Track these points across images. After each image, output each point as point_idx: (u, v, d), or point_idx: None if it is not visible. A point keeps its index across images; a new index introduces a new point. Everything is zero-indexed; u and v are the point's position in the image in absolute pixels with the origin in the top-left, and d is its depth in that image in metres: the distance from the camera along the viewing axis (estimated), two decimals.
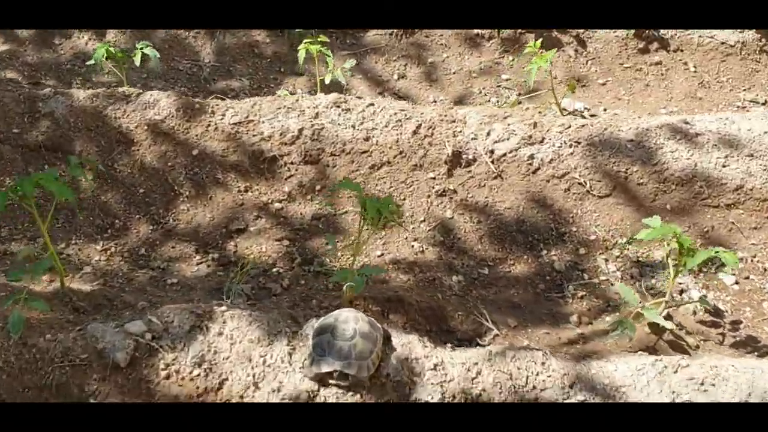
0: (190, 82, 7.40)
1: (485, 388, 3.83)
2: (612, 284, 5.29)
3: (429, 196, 5.80)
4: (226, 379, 3.88)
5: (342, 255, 5.36)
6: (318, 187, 5.83)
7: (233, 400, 3.84)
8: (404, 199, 5.77)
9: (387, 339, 3.93)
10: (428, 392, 3.77)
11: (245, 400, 3.83)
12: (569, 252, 5.53)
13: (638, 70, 7.42)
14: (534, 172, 5.74)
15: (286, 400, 3.76)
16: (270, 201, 5.78)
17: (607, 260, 5.46)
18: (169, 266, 5.36)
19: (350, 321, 3.81)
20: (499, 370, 3.85)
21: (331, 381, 3.75)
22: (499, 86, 7.18)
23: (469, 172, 5.81)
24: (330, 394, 3.77)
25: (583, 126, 5.82)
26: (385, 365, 3.83)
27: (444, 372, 3.84)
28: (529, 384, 3.82)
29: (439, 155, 5.83)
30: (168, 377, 3.89)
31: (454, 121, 5.88)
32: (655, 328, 4.40)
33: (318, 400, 3.76)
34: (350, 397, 3.74)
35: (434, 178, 5.84)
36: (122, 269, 5.26)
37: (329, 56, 5.96)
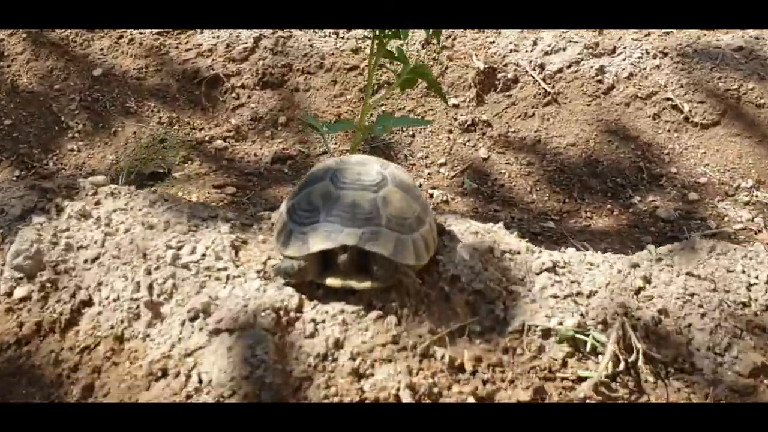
0: None
1: (666, 306, 1.73)
2: (757, 233, 3.32)
3: (451, 132, 3.86)
4: (88, 300, 1.71)
5: None
6: (282, 120, 3.83)
7: (100, 347, 1.65)
8: (413, 136, 3.81)
9: (440, 231, 1.84)
10: (548, 312, 1.65)
11: (130, 344, 1.64)
12: (673, 198, 3.58)
13: None
14: (606, 93, 3.88)
15: (224, 331, 1.59)
16: (208, 138, 3.74)
17: (733, 207, 3.51)
18: None
19: (371, 162, 1.75)
20: (688, 273, 1.77)
21: (329, 281, 1.61)
22: None
23: (509, 96, 3.92)
24: (325, 316, 1.62)
25: (667, 33, 4.03)
26: (446, 261, 1.72)
27: (572, 278, 1.75)
28: (758, 298, 1.74)
29: (463, 74, 3.95)
30: None
31: (481, 31, 4.03)
32: None
33: (296, 331, 1.60)
34: (373, 323, 1.59)
35: (457, 106, 3.93)
36: None
37: None
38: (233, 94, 3.92)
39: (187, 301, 1.68)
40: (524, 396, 1.60)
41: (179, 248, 1.77)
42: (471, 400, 1.59)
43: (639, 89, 3.89)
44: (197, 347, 1.64)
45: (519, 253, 1.83)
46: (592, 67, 3.92)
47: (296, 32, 3.99)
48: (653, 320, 1.73)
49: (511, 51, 3.99)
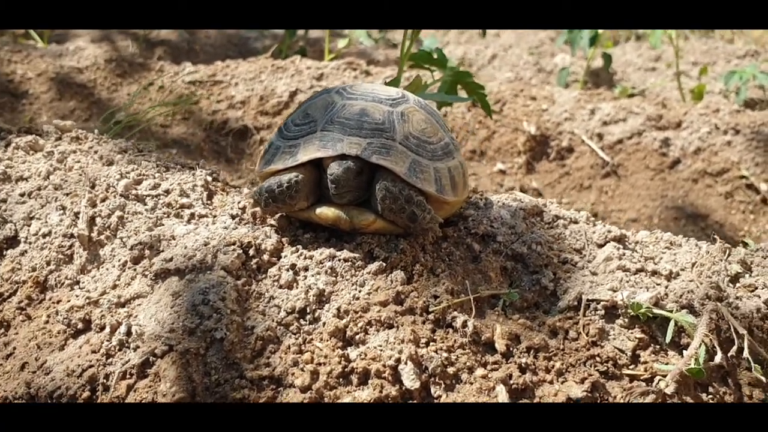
0: None
1: None
2: None
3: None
4: (13, 237, 1.32)
5: None
6: None
7: (15, 297, 1.23)
8: None
9: (472, 193, 1.44)
10: (613, 285, 1.20)
11: (54, 293, 1.23)
12: None
13: None
14: (671, 167, 3.50)
15: (172, 273, 1.17)
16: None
17: None
18: None
19: (382, 88, 1.36)
20: None
21: (320, 210, 1.20)
22: (549, 72, 4.97)
23: (563, 165, 3.56)
24: (309, 263, 1.18)
25: (738, 112, 3.69)
26: (479, 216, 1.30)
27: (646, 255, 1.30)
28: None
29: (512, 139, 3.63)
30: None
31: (534, 99, 3.76)
32: None
33: (269, 278, 1.16)
34: (373, 277, 1.16)
35: (504, 172, 3.58)
36: None
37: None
38: (262, 147, 3.65)
39: (135, 235, 1.27)
40: (576, 392, 1.11)
41: (138, 182, 1.38)
42: (500, 389, 1.10)
43: (708, 165, 3.49)
44: (135, 295, 1.21)
45: (576, 222, 1.39)
46: (655, 139, 3.57)
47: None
48: (759, 313, 1.24)
49: (566, 119, 3.67)
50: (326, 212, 1.22)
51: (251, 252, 1.22)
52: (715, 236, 1.42)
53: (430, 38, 5.01)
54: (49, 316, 1.25)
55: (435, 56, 2.21)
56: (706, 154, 3.54)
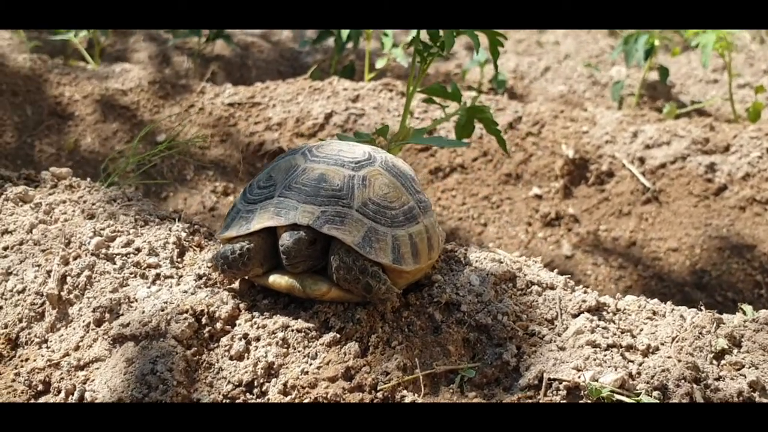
0: None
1: (763, 380, 1.16)
2: None
3: (530, 224, 3.42)
4: None
5: None
6: None
7: None
8: (485, 225, 3.40)
9: (449, 253, 1.38)
10: (578, 363, 1.13)
11: (24, 351, 1.25)
12: None
13: None
14: (717, 194, 3.34)
15: (129, 338, 1.17)
16: None
17: None
18: None
19: (363, 145, 1.32)
20: None
21: (273, 278, 1.18)
22: (604, 85, 4.74)
23: (603, 190, 3.44)
24: (261, 333, 1.16)
25: None
26: (445, 283, 1.24)
27: (624, 327, 1.23)
28: None
29: (549, 162, 3.53)
30: None
31: (574, 120, 3.64)
32: None
33: (220, 348, 1.15)
34: (325, 349, 1.13)
35: (540, 197, 3.48)
36: None
37: (386, 34, 3.98)
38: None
39: (100, 300, 1.28)
40: None
41: (112, 239, 1.39)
42: None
43: (757, 192, 3.33)
44: (95, 358, 1.22)
45: (553, 288, 1.32)
46: (700, 164, 3.42)
47: (370, 111, 3.75)
48: (740, 397, 1.15)
49: (606, 142, 3.56)
50: (279, 281, 1.20)
51: (204, 320, 1.21)
52: (702, 306, 1.33)
53: (484, 51, 4.87)
54: (16, 375, 1.27)
55: (449, 89, 2.15)
56: (756, 180, 3.38)
